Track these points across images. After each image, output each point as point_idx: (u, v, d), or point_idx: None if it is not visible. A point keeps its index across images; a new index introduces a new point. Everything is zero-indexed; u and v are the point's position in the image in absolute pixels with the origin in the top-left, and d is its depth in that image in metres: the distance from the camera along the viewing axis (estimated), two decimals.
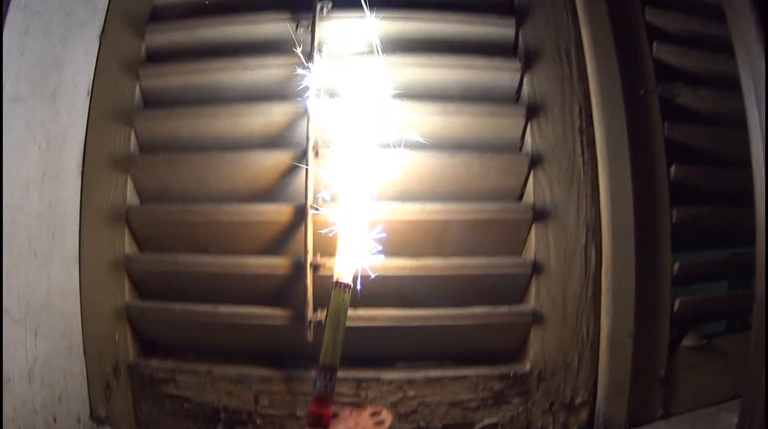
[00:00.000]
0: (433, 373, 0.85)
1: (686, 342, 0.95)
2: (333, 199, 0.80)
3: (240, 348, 0.88)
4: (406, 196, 0.83)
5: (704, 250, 1.01)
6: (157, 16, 0.94)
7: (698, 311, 0.96)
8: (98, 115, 0.92)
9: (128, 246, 0.90)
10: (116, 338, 0.91)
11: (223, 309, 0.85)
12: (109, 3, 0.94)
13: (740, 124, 0.81)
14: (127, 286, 0.90)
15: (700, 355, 0.96)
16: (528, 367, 0.87)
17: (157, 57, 0.93)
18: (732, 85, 0.82)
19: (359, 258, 0.77)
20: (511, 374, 0.86)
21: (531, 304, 0.87)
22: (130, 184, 0.91)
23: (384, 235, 0.78)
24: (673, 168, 0.93)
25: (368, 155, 0.80)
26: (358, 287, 0.76)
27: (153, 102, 0.92)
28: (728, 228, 1.00)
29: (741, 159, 0.80)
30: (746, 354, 0.77)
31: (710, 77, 0.98)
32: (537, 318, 0.86)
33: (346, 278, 0.76)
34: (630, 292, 0.88)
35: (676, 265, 0.92)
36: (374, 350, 0.86)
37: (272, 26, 0.89)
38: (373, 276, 0.77)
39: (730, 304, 1.01)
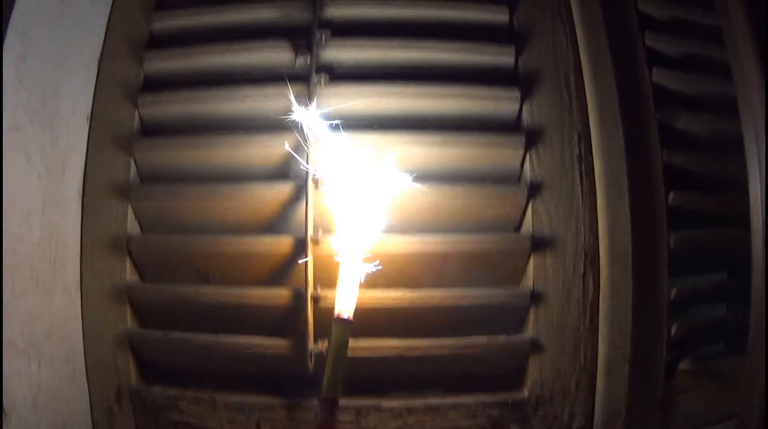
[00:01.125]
0: (432, 400, 0.87)
1: (683, 365, 0.97)
2: (333, 232, 0.81)
3: (242, 376, 0.90)
4: (405, 228, 0.85)
5: (702, 274, 1.02)
6: (156, 42, 0.94)
7: (695, 335, 0.98)
8: (98, 142, 0.92)
9: (130, 274, 0.92)
10: (119, 365, 0.92)
11: (225, 338, 0.87)
12: (107, 28, 0.94)
13: (738, 146, 0.82)
14: (128, 314, 0.92)
15: (697, 378, 0.97)
16: (526, 393, 0.89)
17: (157, 84, 0.94)
18: (730, 108, 0.84)
19: (359, 291, 0.79)
20: (510, 401, 0.88)
21: (529, 332, 0.88)
22: (130, 213, 0.92)
23: (383, 267, 0.80)
24: (671, 194, 0.94)
25: (367, 187, 0.81)
26: (360, 315, 0.77)
27: (153, 130, 0.93)
28: (726, 250, 1.01)
29: (739, 181, 0.82)
30: (743, 375, 0.80)
31: (709, 100, 0.99)
32: (535, 346, 0.88)
33: (347, 313, 0.78)
34: (627, 318, 0.90)
35: (674, 291, 0.94)
36: (374, 379, 0.88)
37: (272, 54, 0.89)
38: (367, 309, 0.78)
39: (727, 327, 1.03)
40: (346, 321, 0.78)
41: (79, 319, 0.92)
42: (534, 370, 0.89)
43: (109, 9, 0.94)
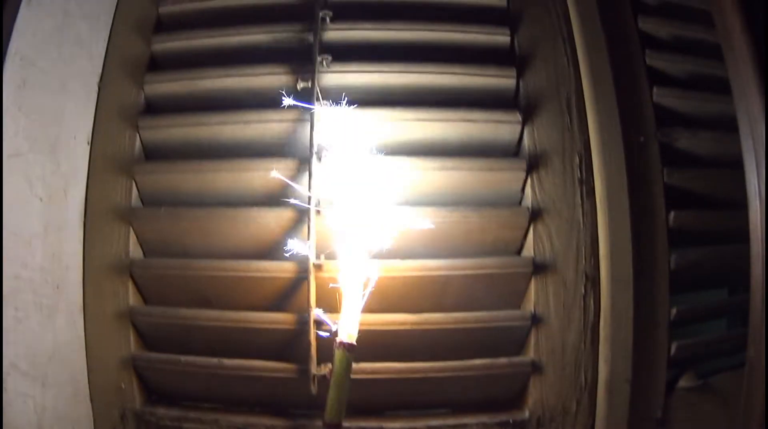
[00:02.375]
0: (434, 422, 0.89)
1: (683, 383, 0.99)
2: (335, 257, 0.82)
3: (246, 398, 0.91)
4: (407, 253, 0.86)
5: (702, 291, 1.04)
6: (156, 64, 0.95)
7: (695, 353, 0.99)
8: (99, 166, 0.93)
9: (132, 298, 0.93)
10: (122, 387, 0.94)
11: (228, 362, 0.88)
12: (106, 51, 0.95)
13: (738, 163, 0.83)
14: (132, 337, 0.93)
15: (697, 395, 0.99)
16: (527, 414, 0.91)
17: (157, 107, 0.95)
18: (730, 126, 0.84)
19: (362, 315, 0.80)
20: (511, 421, 0.90)
21: (530, 354, 0.90)
22: (132, 236, 0.93)
23: (385, 291, 0.81)
24: (671, 214, 0.95)
25: (369, 212, 0.82)
26: (363, 339, 0.79)
27: (154, 153, 0.94)
28: (726, 268, 1.03)
29: (739, 199, 0.83)
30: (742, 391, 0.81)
31: (709, 119, 1.00)
32: (536, 368, 0.90)
33: (350, 338, 0.79)
34: (628, 339, 0.91)
35: (674, 311, 0.95)
36: (377, 401, 0.89)
37: (272, 79, 0.90)
38: (370, 333, 0.79)
39: (727, 345, 1.04)
40: (349, 346, 0.79)
41: (83, 341, 0.93)
42: (535, 390, 0.91)
43: (108, 32, 0.94)
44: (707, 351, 1.02)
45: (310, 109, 0.85)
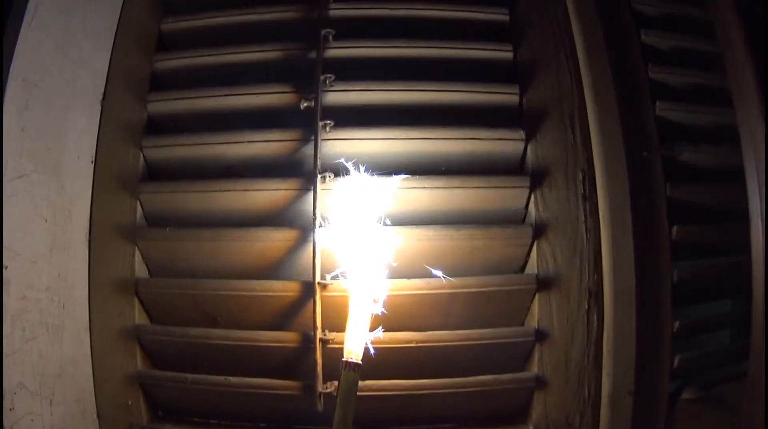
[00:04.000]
0: None
1: (686, 394, 1.01)
2: (340, 276, 0.84)
3: (252, 415, 0.93)
4: (412, 272, 0.87)
5: (705, 303, 1.06)
6: (158, 82, 0.96)
7: (698, 364, 1.01)
8: (103, 185, 0.94)
9: (138, 317, 0.95)
10: (129, 404, 0.95)
11: (234, 380, 0.90)
12: (109, 70, 0.96)
13: (742, 176, 0.85)
14: (138, 354, 0.95)
15: (700, 406, 1.01)
16: (531, 428, 0.92)
17: (160, 126, 0.96)
18: (734, 138, 0.86)
19: (367, 334, 0.82)
20: None
21: (534, 370, 0.92)
22: (138, 255, 0.95)
23: (391, 310, 0.83)
24: (674, 229, 0.96)
25: (373, 231, 0.84)
26: (368, 357, 0.80)
27: (158, 172, 0.95)
28: (728, 279, 1.04)
29: (742, 211, 0.84)
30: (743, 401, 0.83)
31: (711, 131, 1.01)
32: (540, 383, 0.92)
33: (356, 357, 0.81)
34: (631, 353, 0.93)
35: (677, 324, 0.97)
36: (383, 417, 0.91)
37: (276, 97, 0.91)
38: (376, 351, 0.81)
39: (729, 356, 1.06)
40: (354, 365, 0.81)
41: (89, 359, 0.95)
42: (539, 404, 0.93)
43: (110, 51, 0.95)
44: (710, 362, 1.04)
45: (315, 129, 0.87)
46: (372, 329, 0.82)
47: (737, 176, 0.85)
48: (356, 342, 0.81)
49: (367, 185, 0.84)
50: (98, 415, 0.96)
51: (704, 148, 1.01)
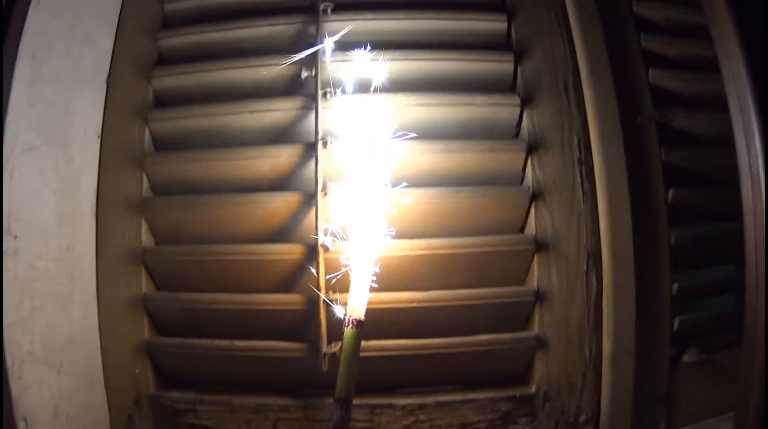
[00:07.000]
0: (443, 397, 0.95)
1: (687, 358, 1.04)
2: (342, 238, 0.88)
3: (258, 379, 0.97)
4: (413, 233, 0.91)
5: (707, 267, 1.09)
6: (163, 59, 1.01)
7: (698, 328, 1.04)
8: (110, 159, 0.99)
9: (145, 285, 0.99)
10: (137, 372, 0.99)
11: (241, 343, 0.94)
12: (114, 47, 1.01)
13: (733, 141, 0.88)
14: (145, 323, 0.99)
15: (701, 370, 1.04)
16: (533, 388, 0.96)
17: (165, 100, 1.01)
18: (725, 104, 0.90)
19: (369, 293, 0.86)
20: (518, 396, 0.95)
21: (535, 330, 0.96)
22: (144, 225, 0.99)
23: (392, 270, 0.87)
24: (670, 192, 1.00)
25: (374, 194, 0.88)
26: (371, 317, 0.84)
27: (163, 144, 1.00)
28: (728, 244, 1.08)
29: (736, 176, 0.88)
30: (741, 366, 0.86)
31: (705, 98, 1.06)
32: (541, 343, 0.95)
33: (359, 315, 0.84)
34: (631, 314, 0.96)
35: (675, 286, 1.00)
36: (386, 378, 0.95)
37: (276, 70, 0.96)
38: (378, 311, 0.84)
39: (730, 320, 1.09)
40: (358, 323, 0.84)
41: (97, 329, 0.99)
42: (541, 365, 0.96)
43: (115, 28, 1.01)
44: (711, 326, 1.07)
45: (314, 97, 0.92)
46: (374, 289, 0.86)
47: (731, 142, 0.89)
48: (359, 300, 0.85)
49: (367, 148, 0.89)
50: (106, 384, 0.99)
51: (699, 115, 1.05)
